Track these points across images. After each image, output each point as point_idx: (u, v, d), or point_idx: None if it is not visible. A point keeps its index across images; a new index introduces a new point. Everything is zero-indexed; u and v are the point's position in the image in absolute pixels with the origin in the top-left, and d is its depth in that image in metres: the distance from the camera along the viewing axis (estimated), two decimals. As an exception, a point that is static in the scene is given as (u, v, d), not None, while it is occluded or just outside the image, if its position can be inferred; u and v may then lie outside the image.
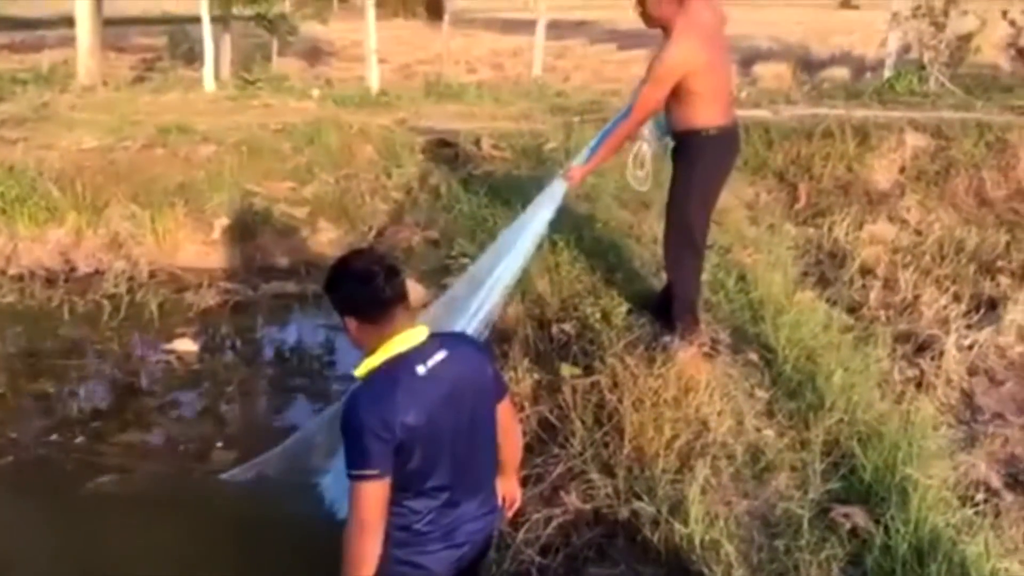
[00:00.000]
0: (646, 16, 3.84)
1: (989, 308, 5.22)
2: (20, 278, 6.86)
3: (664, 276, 4.37)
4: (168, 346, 5.90)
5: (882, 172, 7.75)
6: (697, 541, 2.94)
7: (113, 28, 15.63)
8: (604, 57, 17.77)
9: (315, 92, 10.75)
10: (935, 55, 10.47)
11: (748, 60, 14.83)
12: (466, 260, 5.24)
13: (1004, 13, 11.07)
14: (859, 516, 3.00)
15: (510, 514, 2.87)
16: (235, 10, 12.91)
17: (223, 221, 7.26)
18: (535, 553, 3.23)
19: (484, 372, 2.48)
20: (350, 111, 9.54)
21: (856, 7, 34.80)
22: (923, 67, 10.58)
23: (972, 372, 4.54)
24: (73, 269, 6.98)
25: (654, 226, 5.37)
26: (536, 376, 4.08)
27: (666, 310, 4.17)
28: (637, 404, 3.61)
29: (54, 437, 4.85)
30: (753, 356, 4.10)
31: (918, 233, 6.59)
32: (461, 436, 2.37)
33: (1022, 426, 4.07)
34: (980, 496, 3.36)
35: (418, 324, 2.41)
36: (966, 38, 10.64)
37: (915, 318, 5.13)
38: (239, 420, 5.29)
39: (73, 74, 11.73)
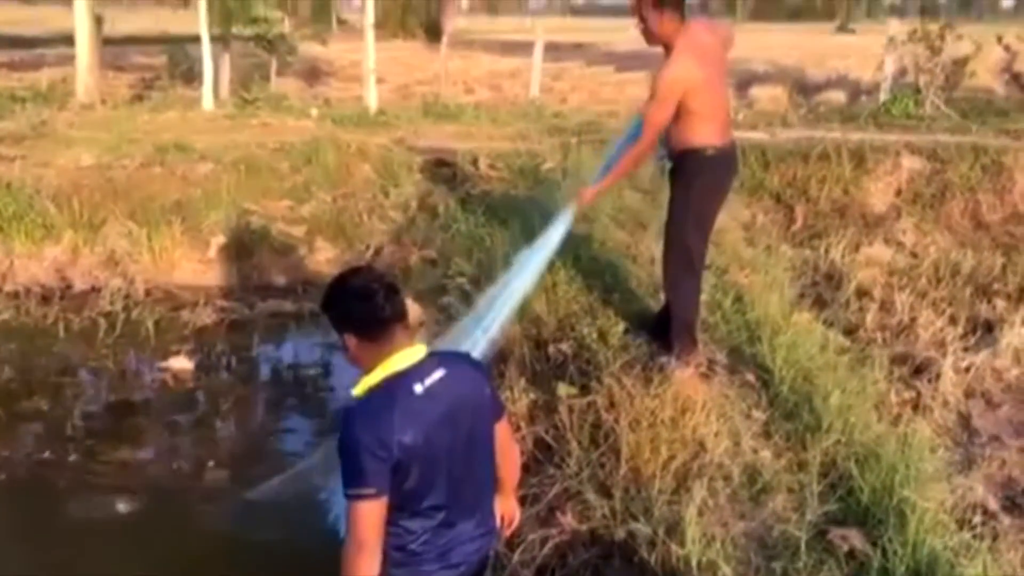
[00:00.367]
0: (648, 33, 3.87)
1: (985, 331, 5.24)
2: (16, 295, 6.85)
3: (662, 296, 4.38)
4: (164, 364, 5.89)
5: (878, 195, 7.81)
6: (694, 563, 2.92)
7: (112, 47, 15.72)
8: (601, 79, 17.92)
9: (313, 111, 10.81)
10: (931, 79, 10.57)
11: (745, 83, 14.95)
12: (463, 280, 5.25)
13: (999, 38, 11.18)
14: (856, 538, 2.99)
15: (508, 533, 2.85)
16: (235, 30, 12.97)
17: (220, 239, 7.27)
18: (531, 574, 3.21)
19: (482, 391, 2.46)
20: (348, 130, 9.59)
21: (852, 31, 35.19)
22: (919, 91, 10.68)
23: (969, 394, 4.56)
24: (69, 286, 6.98)
25: (651, 246, 5.38)
26: (532, 396, 4.07)
27: (664, 330, 4.17)
28: (634, 424, 3.60)
29: (48, 455, 4.82)
30: (750, 377, 4.09)
31: (914, 255, 6.63)
32: (458, 455, 2.35)
33: (1019, 449, 4.08)
34: (977, 519, 3.35)
35: (416, 343, 2.40)
36: (961, 62, 10.75)
37: (911, 340, 5.15)
38: (234, 439, 5.27)
39: (72, 92, 11.78)
